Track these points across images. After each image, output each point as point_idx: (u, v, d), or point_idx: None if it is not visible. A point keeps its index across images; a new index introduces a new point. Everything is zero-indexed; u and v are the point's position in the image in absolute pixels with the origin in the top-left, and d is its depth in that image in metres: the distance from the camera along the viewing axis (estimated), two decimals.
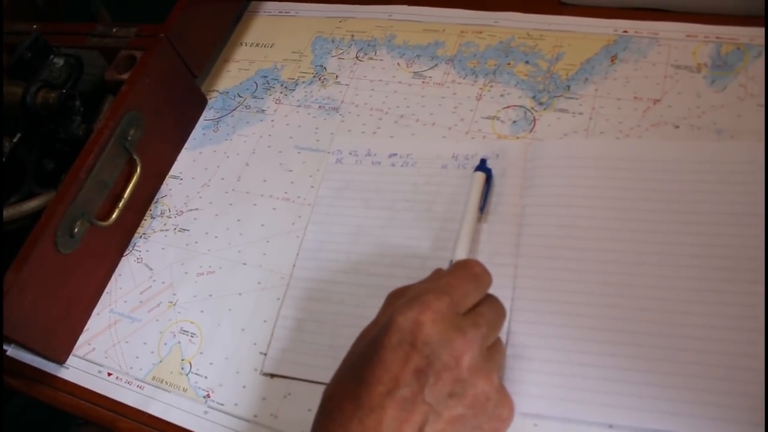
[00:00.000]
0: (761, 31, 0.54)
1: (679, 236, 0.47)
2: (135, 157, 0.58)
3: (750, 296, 0.43)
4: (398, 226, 0.53)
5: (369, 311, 0.49)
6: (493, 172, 0.52)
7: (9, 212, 0.55)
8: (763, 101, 0.51)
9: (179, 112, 0.64)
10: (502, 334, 0.46)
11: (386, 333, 0.37)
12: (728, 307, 0.44)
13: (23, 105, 0.57)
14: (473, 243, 0.49)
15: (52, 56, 0.61)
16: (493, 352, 0.40)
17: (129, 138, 0.57)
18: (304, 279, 0.53)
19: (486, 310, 0.40)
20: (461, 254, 0.47)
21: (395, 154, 0.56)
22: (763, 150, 0.48)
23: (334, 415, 0.37)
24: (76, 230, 0.53)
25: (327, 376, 0.41)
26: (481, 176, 0.51)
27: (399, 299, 0.41)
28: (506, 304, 0.47)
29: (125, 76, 0.59)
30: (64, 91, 0.57)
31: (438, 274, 0.43)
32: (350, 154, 0.58)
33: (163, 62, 0.60)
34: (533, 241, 0.49)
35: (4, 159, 0.57)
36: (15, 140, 0.58)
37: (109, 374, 0.54)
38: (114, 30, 0.63)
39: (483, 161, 0.53)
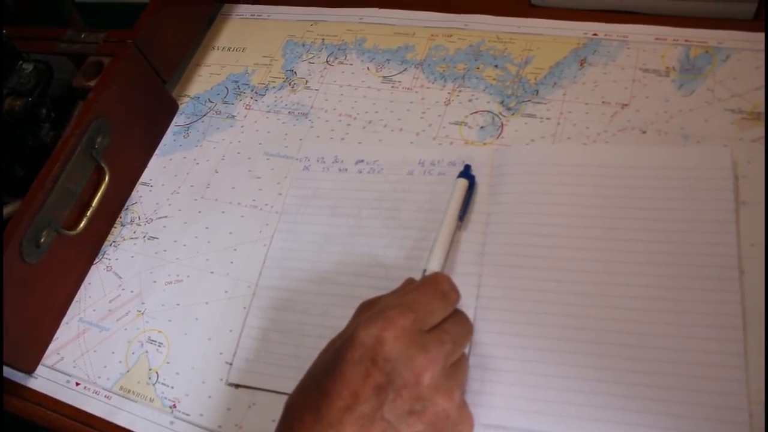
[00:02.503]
0: (729, 33, 0.54)
1: (645, 243, 0.46)
2: (103, 165, 0.57)
3: (718, 305, 0.43)
4: (364, 234, 0.53)
5: (333, 321, 0.49)
6: (452, 178, 0.52)
7: None
8: (730, 105, 0.51)
9: (149, 118, 0.64)
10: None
11: (348, 347, 0.37)
12: (695, 316, 0.43)
13: None
14: (451, 252, 0.49)
15: (20, 62, 0.60)
16: (457, 369, 0.40)
17: (96, 146, 0.57)
18: (270, 288, 0.53)
19: (451, 327, 0.40)
20: (435, 265, 0.47)
21: (362, 161, 0.56)
22: (729, 154, 0.48)
23: (294, 426, 0.37)
24: (42, 240, 0.53)
25: (291, 386, 0.41)
26: (463, 183, 0.51)
27: (367, 311, 0.41)
28: (470, 313, 0.47)
29: (92, 83, 0.59)
30: (30, 99, 0.57)
31: (407, 287, 0.43)
32: (318, 161, 0.58)
33: (131, 68, 0.60)
34: (498, 249, 0.49)
35: None
36: None
37: (77, 384, 0.53)
38: (83, 36, 0.63)
39: (467, 167, 0.52)
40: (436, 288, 0.41)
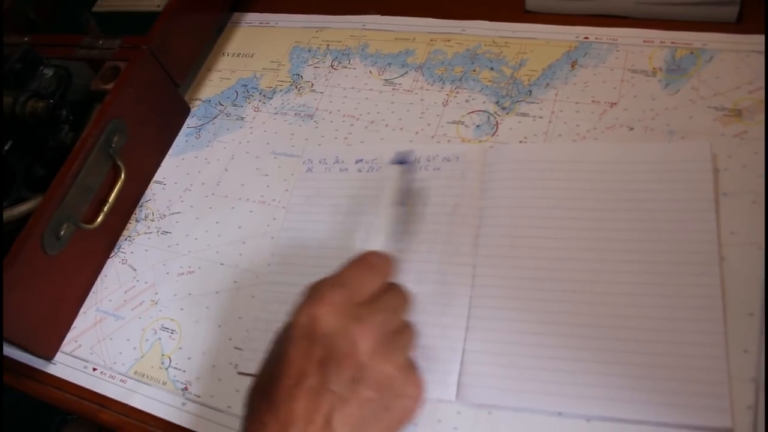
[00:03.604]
0: (713, 36, 0.57)
1: (632, 232, 0.49)
2: (119, 163, 0.60)
3: (700, 288, 0.46)
4: (363, 229, 0.55)
5: None
6: (451, 174, 0.55)
7: None
8: (713, 103, 0.53)
9: (162, 120, 0.67)
10: (459, 331, 0.48)
11: (288, 331, 0.40)
12: (680, 299, 0.46)
13: (13, 114, 0.60)
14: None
15: (41, 67, 0.64)
16: (399, 336, 0.42)
17: (113, 145, 0.60)
18: (276, 283, 0.56)
19: (386, 297, 0.42)
20: (373, 246, 0.47)
21: (361, 160, 0.59)
22: (709, 147, 0.50)
23: (253, 412, 0.40)
24: (62, 233, 0.56)
25: None
26: (398, 169, 0.52)
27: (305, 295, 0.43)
28: (465, 301, 0.50)
29: (109, 86, 0.62)
30: (51, 101, 0.60)
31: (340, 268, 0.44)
32: (320, 162, 0.61)
33: (146, 72, 0.63)
34: (491, 240, 0.52)
35: None
36: (6, 148, 0.61)
37: (94, 369, 0.56)
38: (100, 42, 0.66)
39: (401, 155, 0.52)
40: (364, 262, 0.43)
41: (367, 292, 0.42)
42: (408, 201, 0.52)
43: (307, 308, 0.40)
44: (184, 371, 0.54)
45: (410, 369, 0.41)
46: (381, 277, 0.43)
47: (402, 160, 0.52)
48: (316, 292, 0.41)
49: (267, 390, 0.39)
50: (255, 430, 0.39)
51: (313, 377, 0.38)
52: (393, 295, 0.43)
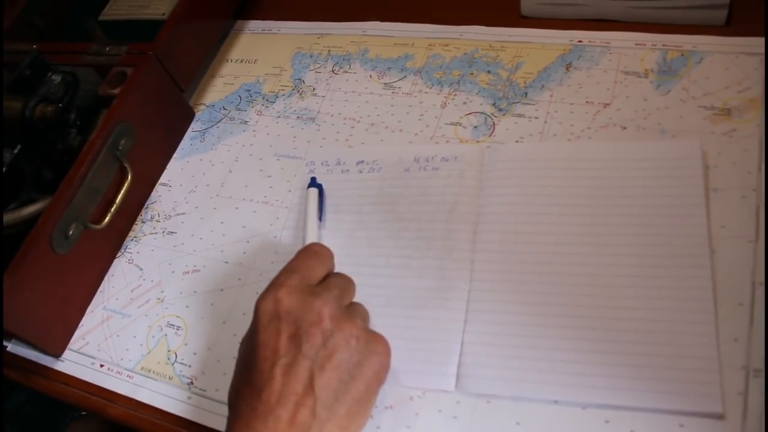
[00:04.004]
0: (703, 38, 0.58)
1: (625, 227, 0.50)
2: (126, 165, 0.62)
3: (692, 279, 0.47)
4: (364, 228, 0.57)
5: None
6: (449, 173, 0.57)
7: (9, 217, 0.59)
8: (703, 102, 0.55)
9: (168, 124, 0.69)
10: (458, 323, 0.50)
11: (256, 320, 0.44)
12: (672, 290, 0.47)
13: (23, 118, 0.61)
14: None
15: (50, 73, 0.65)
16: (354, 308, 0.47)
17: (120, 148, 0.62)
18: None
19: (334, 279, 0.47)
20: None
21: (362, 161, 0.60)
22: (699, 145, 0.52)
23: (239, 403, 0.43)
24: (70, 232, 0.58)
25: None
26: (313, 192, 0.58)
27: None
28: (463, 295, 0.51)
29: (117, 91, 0.64)
30: (60, 105, 0.62)
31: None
32: (322, 164, 0.62)
33: (152, 78, 0.65)
34: (489, 237, 0.53)
35: (4, 169, 0.61)
36: (15, 151, 0.62)
37: (101, 365, 0.58)
38: (107, 48, 0.68)
39: (313, 179, 0.60)
40: (308, 251, 0.48)
41: (317, 275, 0.47)
42: (321, 215, 0.59)
43: (269, 294, 0.44)
44: (189, 366, 0.55)
45: (370, 330, 0.45)
46: (326, 262, 0.48)
47: (317, 184, 0.60)
48: (273, 282, 0.45)
49: (249, 379, 0.42)
50: (245, 415, 0.41)
51: (287, 353, 0.42)
52: (340, 278, 0.48)
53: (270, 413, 0.40)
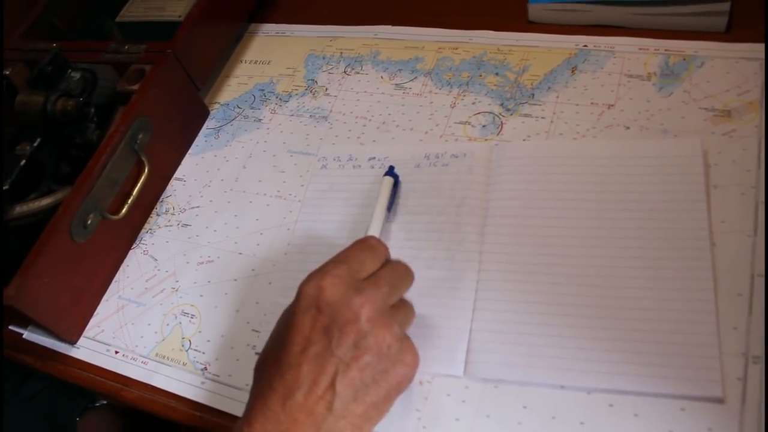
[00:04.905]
0: (704, 44, 0.61)
1: (629, 221, 0.52)
2: (143, 158, 0.64)
3: (693, 271, 0.49)
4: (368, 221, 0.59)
5: None
6: (459, 169, 0.59)
7: (29, 207, 0.61)
8: (704, 104, 0.57)
9: (184, 121, 0.70)
10: (467, 311, 0.51)
11: (296, 302, 0.44)
12: (674, 281, 0.49)
13: (44, 112, 0.63)
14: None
15: (69, 70, 0.68)
16: (397, 310, 0.46)
17: (138, 141, 0.63)
18: (293, 270, 0.59)
19: (386, 273, 0.46)
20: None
21: (374, 158, 0.62)
22: (700, 144, 0.54)
23: (262, 377, 0.44)
24: (89, 222, 0.59)
25: None
26: (388, 180, 0.58)
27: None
28: (471, 285, 0.53)
29: (135, 87, 0.66)
30: (81, 99, 0.64)
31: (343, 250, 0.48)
32: (334, 160, 0.64)
33: (170, 75, 0.67)
34: (497, 230, 0.55)
35: (25, 161, 0.63)
36: (36, 144, 0.64)
37: (116, 352, 0.59)
38: (126, 47, 0.70)
39: (391, 168, 0.59)
40: (363, 244, 0.47)
41: (367, 269, 0.46)
42: (391, 206, 0.58)
43: (313, 281, 0.44)
44: (203, 353, 0.57)
45: (406, 338, 0.45)
46: (379, 257, 0.47)
47: (394, 174, 0.59)
48: (321, 268, 0.45)
49: (276, 357, 0.43)
50: (264, 393, 0.42)
51: (318, 344, 0.42)
52: (394, 271, 0.47)
53: (289, 397, 0.41)
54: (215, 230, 0.63)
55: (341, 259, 0.46)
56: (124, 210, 0.62)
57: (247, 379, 0.54)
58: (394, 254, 0.56)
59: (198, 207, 0.66)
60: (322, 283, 0.43)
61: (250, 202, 0.64)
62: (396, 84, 0.68)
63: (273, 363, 0.43)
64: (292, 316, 0.44)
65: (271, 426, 0.41)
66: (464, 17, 0.71)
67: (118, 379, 0.58)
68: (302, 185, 0.64)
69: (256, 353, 0.55)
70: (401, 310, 0.47)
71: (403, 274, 0.48)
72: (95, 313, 0.62)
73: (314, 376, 0.41)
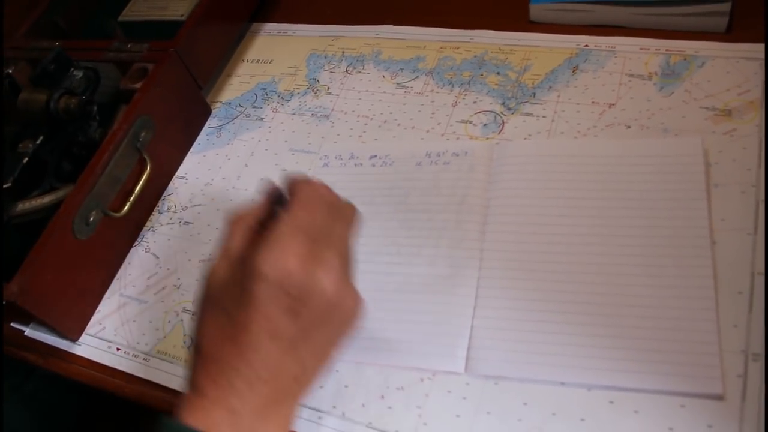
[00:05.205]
0: (705, 44, 0.61)
1: (630, 219, 0.53)
2: (145, 156, 0.64)
3: (693, 269, 0.49)
4: (377, 218, 0.59)
5: None
6: (460, 167, 0.59)
7: (31, 204, 0.61)
8: (705, 104, 0.57)
9: (186, 119, 0.71)
10: (467, 309, 0.52)
11: (255, 280, 0.40)
12: (675, 279, 0.49)
13: (47, 110, 0.63)
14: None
15: (72, 69, 0.68)
16: (351, 258, 0.44)
17: (140, 139, 0.64)
18: None
19: (338, 227, 0.44)
20: None
21: (375, 156, 0.63)
22: (701, 143, 0.54)
23: (215, 354, 0.41)
24: (91, 219, 0.60)
25: None
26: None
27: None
28: (472, 282, 0.53)
29: (138, 85, 0.66)
30: (84, 97, 0.64)
31: (291, 208, 0.44)
32: (336, 158, 0.64)
33: (173, 73, 0.67)
34: (498, 227, 0.55)
35: (27, 159, 0.63)
36: (38, 142, 0.64)
37: (118, 349, 0.59)
38: (129, 45, 0.70)
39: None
40: (309, 196, 0.44)
41: (321, 226, 0.43)
42: None
43: (273, 259, 0.40)
44: None
45: (352, 284, 0.43)
46: (326, 204, 0.44)
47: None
48: (277, 239, 0.41)
49: (233, 337, 0.40)
50: (225, 374, 0.40)
51: (287, 330, 0.40)
52: (342, 211, 0.45)
53: (257, 380, 0.40)
54: (217, 228, 0.64)
55: (295, 223, 0.42)
56: (126, 208, 0.63)
57: None
58: (395, 252, 0.56)
59: (200, 205, 0.66)
60: (284, 264, 0.40)
61: (252, 200, 0.64)
62: (398, 83, 0.68)
63: (231, 343, 0.40)
64: (251, 294, 0.40)
65: (239, 404, 0.40)
66: (466, 17, 0.71)
67: (120, 376, 0.58)
68: None
69: None
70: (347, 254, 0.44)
71: (349, 214, 0.46)
72: (97, 310, 0.62)
73: (286, 365, 0.41)
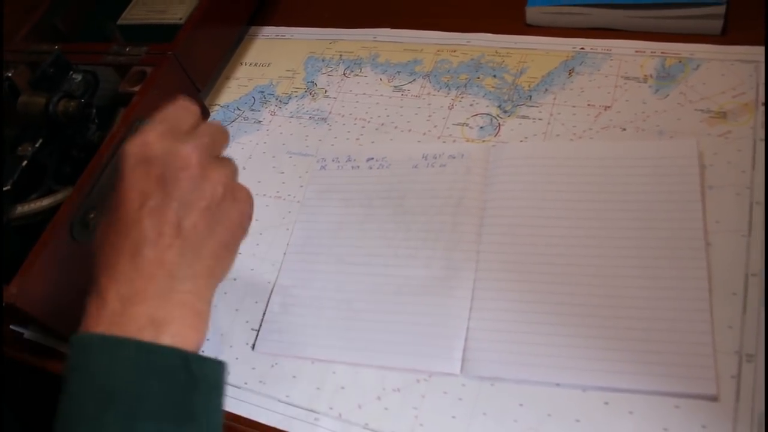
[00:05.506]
0: (700, 46, 0.61)
1: (625, 221, 0.53)
2: None
3: (688, 270, 0.49)
4: (374, 221, 0.59)
5: (347, 295, 0.56)
6: (456, 170, 0.60)
7: (30, 207, 0.61)
8: (700, 106, 0.58)
9: None
10: (463, 310, 0.52)
11: (123, 163, 0.42)
12: (670, 280, 0.49)
13: (46, 113, 0.64)
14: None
15: (71, 72, 0.68)
16: (223, 160, 0.45)
17: None
18: (292, 270, 0.59)
19: (205, 127, 0.45)
20: None
21: (372, 158, 0.63)
22: (696, 145, 0.55)
23: (106, 247, 0.42)
24: (90, 221, 0.60)
25: (311, 351, 0.52)
26: None
27: None
28: (468, 284, 0.53)
29: (137, 88, 0.66)
30: (82, 100, 0.64)
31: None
32: (333, 161, 0.65)
33: (171, 77, 0.68)
34: (494, 230, 0.56)
35: (26, 162, 0.63)
36: (37, 145, 0.64)
37: None
38: (127, 49, 0.71)
39: None
40: (176, 103, 0.46)
41: (185, 125, 0.45)
42: None
43: (136, 138, 0.42)
44: (202, 351, 0.56)
45: (238, 183, 0.45)
46: (194, 113, 0.46)
47: None
48: (139, 130, 0.43)
49: (115, 221, 0.42)
50: (109, 259, 0.41)
51: (155, 195, 0.41)
52: (211, 126, 0.46)
53: (137, 254, 0.40)
54: None
55: (158, 119, 0.44)
56: None
57: (246, 377, 0.55)
58: (391, 255, 0.57)
59: None
60: (147, 138, 0.42)
61: None
62: (395, 86, 0.69)
63: (113, 230, 0.41)
64: (122, 180, 0.42)
65: (125, 288, 0.40)
66: (462, 20, 0.71)
67: None
68: (301, 186, 0.64)
69: (256, 352, 0.56)
70: (227, 162, 0.46)
71: (219, 129, 0.47)
72: None
73: (159, 226, 0.40)
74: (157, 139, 0.42)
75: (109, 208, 0.43)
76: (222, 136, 0.47)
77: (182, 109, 0.46)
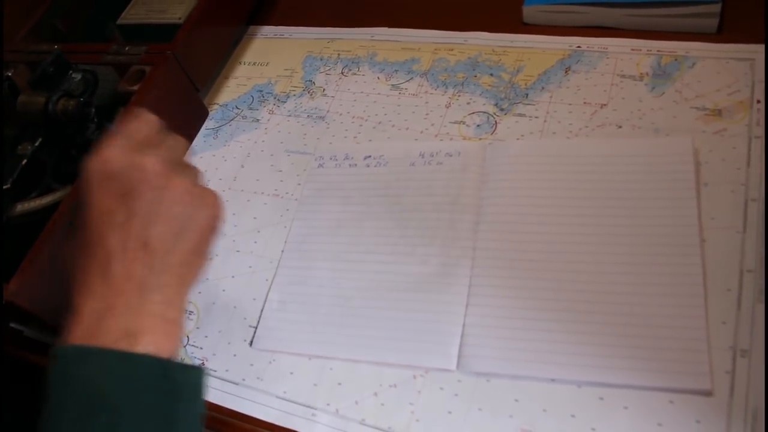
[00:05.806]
0: (695, 45, 0.62)
1: (621, 218, 0.53)
2: None
3: (683, 266, 0.50)
4: (372, 218, 0.60)
5: (345, 292, 0.56)
6: (453, 167, 0.60)
7: (30, 205, 0.62)
8: (695, 104, 0.58)
9: (183, 121, 0.71)
10: (460, 307, 0.52)
11: (86, 182, 0.43)
12: (665, 276, 0.50)
13: (45, 112, 0.64)
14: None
15: (71, 71, 0.68)
16: (184, 165, 0.46)
17: None
18: (289, 267, 0.59)
19: (161, 135, 0.46)
20: None
21: (370, 156, 0.63)
22: (690, 142, 0.55)
23: (77, 269, 0.43)
24: None
25: (307, 348, 0.52)
26: None
27: None
28: (465, 280, 0.54)
29: (136, 88, 0.67)
30: (82, 99, 0.65)
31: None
32: (330, 159, 0.65)
33: (170, 76, 0.68)
34: (490, 227, 0.56)
35: (26, 161, 0.64)
36: (37, 144, 0.65)
37: None
38: (127, 48, 0.71)
39: None
40: (136, 116, 0.47)
41: (143, 134, 0.45)
42: None
43: (95, 157, 0.43)
44: (201, 348, 0.58)
45: (203, 187, 0.45)
46: (151, 124, 0.47)
47: None
48: (98, 147, 0.44)
49: (82, 242, 0.42)
50: (81, 279, 0.41)
51: (118, 211, 0.41)
52: (169, 137, 0.47)
53: (107, 270, 0.41)
54: None
55: (118, 134, 0.45)
56: None
57: (243, 373, 0.55)
58: (388, 252, 0.57)
59: None
60: (105, 155, 0.42)
61: (248, 200, 0.65)
62: (392, 84, 0.69)
63: (81, 249, 0.42)
64: (86, 196, 0.43)
65: (97, 304, 0.40)
66: (460, 19, 0.72)
67: None
68: (299, 184, 0.64)
69: (254, 348, 0.56)
70: (189, 167, 0.46)
71: (175, 137, 0.48)
72: None
73: (123, 242, 0.41)
74: (118, 155, 0.43)
75: (77, 227, 0.43)
76: (179, 143, 0.48)
77: (141, 122, 0.47)
